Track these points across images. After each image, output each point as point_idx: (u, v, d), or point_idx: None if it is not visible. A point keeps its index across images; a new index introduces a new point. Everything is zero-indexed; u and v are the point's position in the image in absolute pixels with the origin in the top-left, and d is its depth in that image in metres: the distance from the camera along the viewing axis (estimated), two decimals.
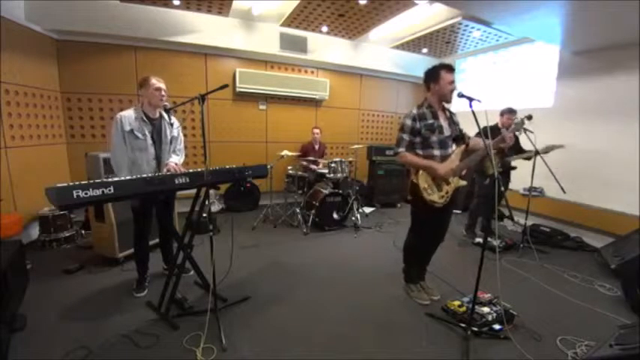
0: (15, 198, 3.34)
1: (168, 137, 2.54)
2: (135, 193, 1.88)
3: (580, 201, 4.13)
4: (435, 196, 2.28)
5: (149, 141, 2.39)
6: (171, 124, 2.57)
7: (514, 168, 3.76)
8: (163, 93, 2.42)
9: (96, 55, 4.21)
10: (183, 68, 4.72)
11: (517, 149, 3.81)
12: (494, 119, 3.80)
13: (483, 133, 2.00)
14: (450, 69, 2.27)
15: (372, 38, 5.32)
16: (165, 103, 2.45)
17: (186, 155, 2.79)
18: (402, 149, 2.33)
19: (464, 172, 2.38)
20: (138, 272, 2.63)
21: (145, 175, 1.97)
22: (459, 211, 5.10)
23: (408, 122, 2.31)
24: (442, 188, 2.29)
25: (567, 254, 3.72)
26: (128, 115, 2.34)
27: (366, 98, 6.32)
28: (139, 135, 2.34)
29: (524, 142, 3.63)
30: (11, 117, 3.33)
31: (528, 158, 3.56)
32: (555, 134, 3.47)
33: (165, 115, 2.53)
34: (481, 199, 3.92)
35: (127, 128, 2.30)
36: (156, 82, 2.39)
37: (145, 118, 2.39)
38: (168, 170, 2.41)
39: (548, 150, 3.41)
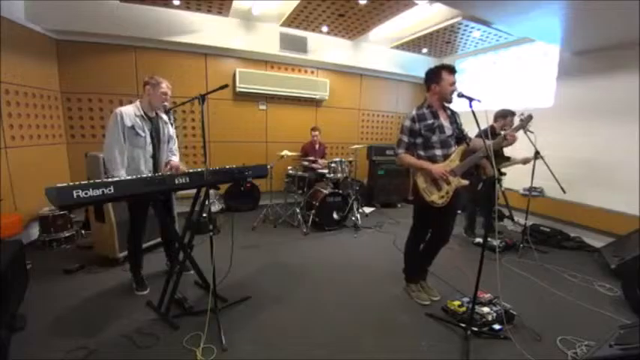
0: (15, 198, 3.34)
1: (166, 136, 2.56)
2: (135, 193, 1.88)
3: (580, 201, 4.12)
4: (435, 197, 2.28)
5: (148, 139, 2.40)
6: (167, 123, 2.59)
7: (503, 174, 3.77)
8: (168, 98, 2.45)
9: (96, 55, 4.21)
10: (183, 68, 4.72)
11: (501, 156, 3.79)
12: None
13: (484, 135, 2.00)
14: (452, 70, 2.27)
15: (372, 38, 5.33)
16: (165, 104, 2.45)
17: (185, 155, 2.83)
18: (400, 151, 2.37)
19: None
20: (132, 270, 2.62)
21: (145, 175, 1.97)
22: (458, 212, 5.09)
23: (407, 124, 2.33)
24: (442, 188, 2.29)
25: (567, 254, 3.72)
26: (128, 111, 2.31)
27: (366, 98, 6.32)
28: (140, 132, 2.34)
29: (525, 145, 3.61)
30: (11, 117, 3.34)
31: (524, 162, 3.57)
32: (555, 134, 3.47)
33: (161, 114, 2.55)
34: (475, 202, 3.93)
35: (129, 124, 2.28)
36: (165, 87, 2.42)
37: (145, 116, 2.40)
38: (171, 168, 2.46)
39: (528, 161, 3.44)
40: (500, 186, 3.96)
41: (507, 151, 3.77)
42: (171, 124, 2.59)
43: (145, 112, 2.41)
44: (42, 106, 3.77)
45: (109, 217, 2.95)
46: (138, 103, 2.42)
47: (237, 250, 3.13)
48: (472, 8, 3.43)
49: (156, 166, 2.50)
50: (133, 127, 2.30)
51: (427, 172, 2.27)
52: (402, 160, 2.37)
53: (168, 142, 2.59)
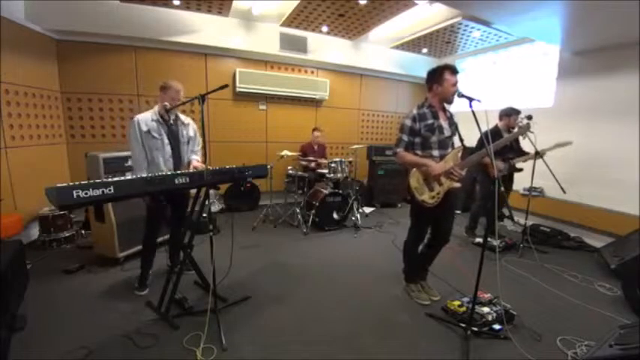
0: (15, 198, 3.34)
1: (185, 138, 2.64)
2: (135, 193, 1.88)
3: (580, 201, 4.13)
4: (426, 196, 2.30)
5: (165, 140, 2.49)
6: (185, 125, 2.67)
7: (520, 170, 3.76)
8: (179, 98, 2.53)
9: (96, 55, 4.21)
10: (183, 68, 4.72)
11: (518, 151, 3.81)
12: (494, 120, 3.80)
13: (484, 138, 2.00)
14: (454, 71, 2.27)
15: (372, 38, 5.33)
16: (165, 103, 2.47)
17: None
18: (400, 149, 2.36)
19: (463, 173, 2.37)
20: (142, 269, 2.64)
21: (144, 175, 1.97)
22: (458, 212, 5.10)
23: (408, 123, 2.33)
24: (434, 189, 2.30)
25: (567, 254, 3.72)
26: (144, 117, 2.44)
27: (366, 98, 6.32)
28: (156, 135, 2.44)
29: (525, 143, 3.63)
30: (11, 117, 3.34)
31: (532, 158, 3.56)
32: (555, 134, 3.46)
33: (180, 116, 2.64)
34: (483, 201, 3.93)
35: (144, 129, 2.40)
36: (174, 91, 2.48)
37: (160, 120, 2.49)
38: (195, 168, 2.48)
39: (552, 148, 3.41)
40: (508, 186, 3.96)
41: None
42: (185, 125, 2.64)
43: (161, 116, 2.50)
44: (42, 106, 3.77)
45: (109, 217, 2.95)
46: (156, 108, 2.53)
47: (237, 250, 3.14)
48: (472, 8, 3.43)
49: (177, 166, 2.57)
50: (148, 132, 2.42)
51: (427, 170, 2.26)
52: (402, 158, 2.36)
53: (188, 142, 2.67)
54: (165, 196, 2.40)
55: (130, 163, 2.48)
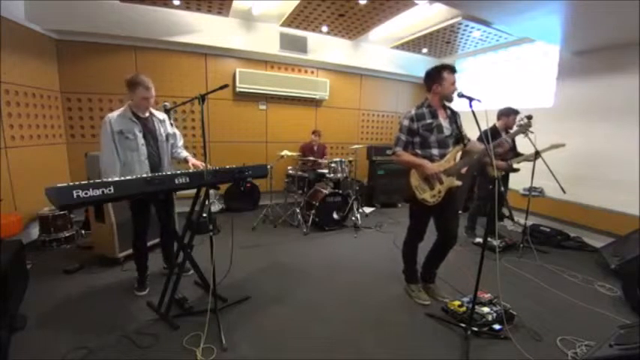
0: (15, 198, 3.34)
1: (164, 135, 2.50)
2: (135, 193, 1.88)
3: (580, 201, 4.13)
4: (427, 195, 2.30)
5: (140, 141, 2.35)
6: (161, 121, 2.51)
7: (517, 170, 3.76)
8: (150, 102, 2.38)
9: (96, 55, 4.21)
10: (183, 68, 4.72)
11: (514, 152, 3.80)
12: (494, 120, 3.80)
13: (484, 137, 2.00)
14: (453, 70, 2.28)
15: (372, 38, 5.32)
16: (166, 103, 2.45)
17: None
18: (398, 149, 2.38)
19: (463, 171, 2.37)
20: (137, 271, 2.63)
21: (145, 175, 1.97)
22: (459, 212, 5.09)
23: (406, 123, 2.34)
24: (434, 187, 2.31)
25: (567, 254, 3.72)
26: (116, 115, 2.31)
27: (366, 98, 6.33)
28: (129, 135, 2.31)
29: (523, 145, 3.62)
30: (11, 117, 3.34)
31: (529, 160, 3.55)
32: (555, 134, 3.47)
33: (155, 113, 2.49)
34: (481, 201, 3.92)
35: (117, 129, 2.27)
36: (143, 90, 2.30)
37: (133, 118, 2.35)
38: (194, 167, 2.39)
39: (548, 149, 3.41)
40: (504, 187, 3.96)
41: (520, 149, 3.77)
42: (171, 124, 2.57)
43: (134, 114, 2.37)
44: (42, 106, 3.77)
45: (109, 217, 2.95)
46: (127, 105, 2.38)
47: (237, 250, 3.14)
48: (472, 8, 3.43)
49: (157, 166, 2.46)
50: (121, 132, 2.28)
51: (422, 170, 2.27)
52: (399, 157, 2.38)
53: (167, 139, 2.53)
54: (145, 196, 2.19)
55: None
